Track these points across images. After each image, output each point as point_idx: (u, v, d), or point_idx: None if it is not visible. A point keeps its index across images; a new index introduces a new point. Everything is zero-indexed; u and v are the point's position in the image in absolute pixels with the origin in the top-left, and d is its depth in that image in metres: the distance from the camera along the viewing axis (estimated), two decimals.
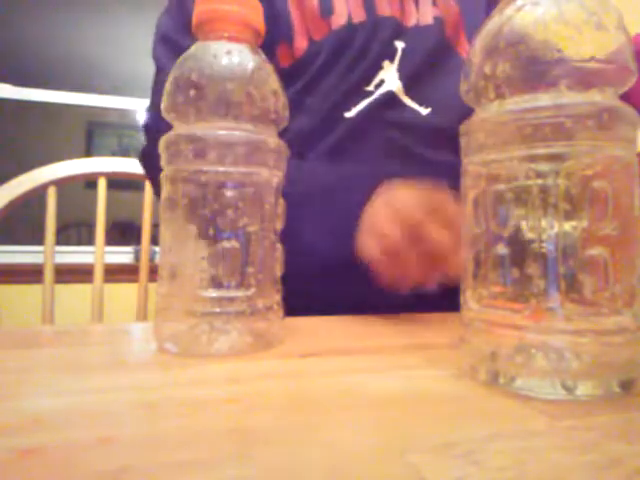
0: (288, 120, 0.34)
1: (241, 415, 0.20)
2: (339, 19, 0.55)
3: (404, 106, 0.55)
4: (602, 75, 0.23)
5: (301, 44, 0.55)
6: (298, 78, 0.55)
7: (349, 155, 0.54)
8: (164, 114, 0.32)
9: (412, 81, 0.55)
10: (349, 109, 0.54)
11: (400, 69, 0.55)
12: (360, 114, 0.54)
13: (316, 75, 0.55)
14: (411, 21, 0.58)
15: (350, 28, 0.55)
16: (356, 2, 0.56)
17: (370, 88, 0.55)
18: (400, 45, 0.56)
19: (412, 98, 0.55)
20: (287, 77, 0.55)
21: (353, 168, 0.53)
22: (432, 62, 0.56)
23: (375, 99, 0.54)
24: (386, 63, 0.55)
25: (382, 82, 0.55)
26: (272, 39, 0.54)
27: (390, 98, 0.54)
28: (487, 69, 0.24)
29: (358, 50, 0.55)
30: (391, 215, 0.39)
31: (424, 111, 0.55)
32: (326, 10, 0.55)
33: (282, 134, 0.34)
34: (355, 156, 0.54)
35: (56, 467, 0.15)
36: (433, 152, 0.54)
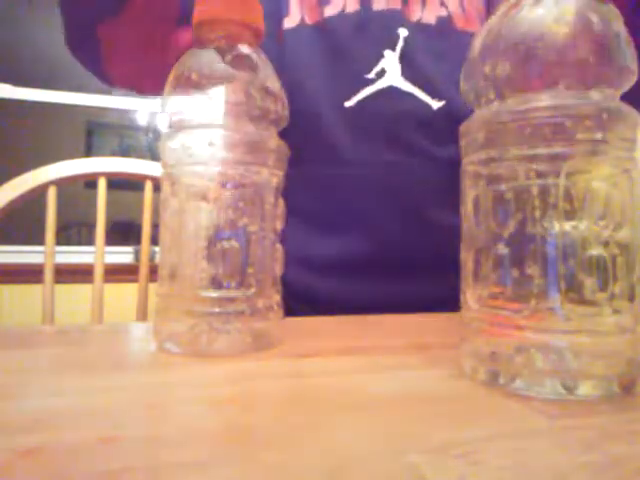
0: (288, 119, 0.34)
1: (241, 415, 0.20)
2: (333, 9, 0.55)
3: (411, 97, 0.53)
4: (602, 75, 0.23)
5: (291, 24, 0.56)
6: (289, 68, 0.54)
7: (347, 146, 0.53)
8: (164, 114, 0.32)
9: (418, 72, 0.54)
10: (349, 98, 0.53)
11: (402, 58, 0.54)
12: (360, 104, 0.53)
13: (308, 63, 0.54)
14: (414, 16, 0.57)
15: (342, 16, 0.55)
16: None
17: (371, 76, 0.53)
18: (403, 33, 0.55)
19: (420, 89, 0.54)
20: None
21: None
22: (438, 54, 0.55)
23: (377, 90, 0.53)
24: (388, 52, 0.54)
25: (383, 71, 0.54)
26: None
27: (393, 89, 0.53)
28: (487, 69, 0.24)
29: (351, 36, 0.54)
30: None
31: (435, 104, 0.53)
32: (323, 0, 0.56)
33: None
34: (354, 147, 0.53)
35: (56, 467, 0.15)
36: (439, 148, 0.53)
